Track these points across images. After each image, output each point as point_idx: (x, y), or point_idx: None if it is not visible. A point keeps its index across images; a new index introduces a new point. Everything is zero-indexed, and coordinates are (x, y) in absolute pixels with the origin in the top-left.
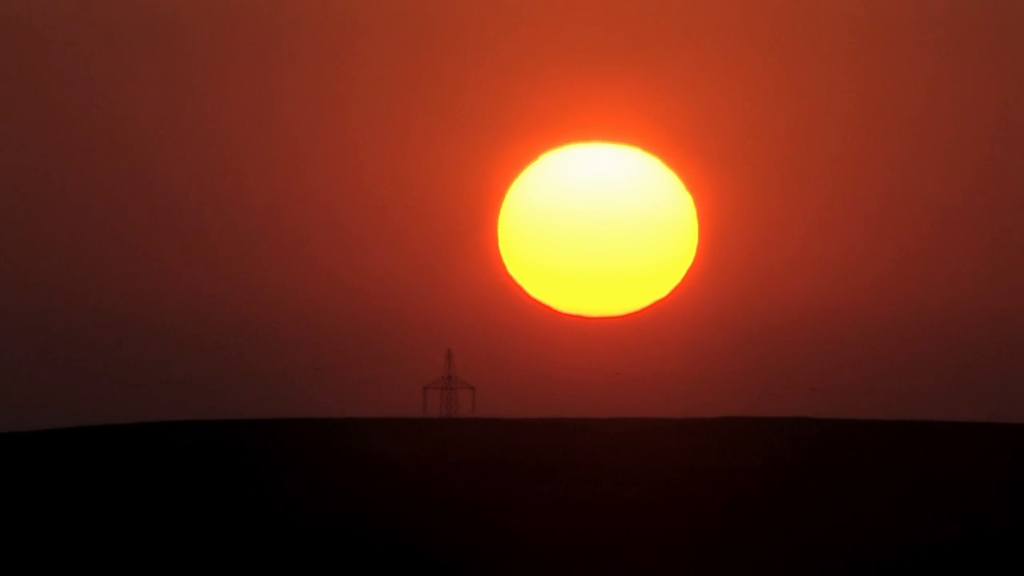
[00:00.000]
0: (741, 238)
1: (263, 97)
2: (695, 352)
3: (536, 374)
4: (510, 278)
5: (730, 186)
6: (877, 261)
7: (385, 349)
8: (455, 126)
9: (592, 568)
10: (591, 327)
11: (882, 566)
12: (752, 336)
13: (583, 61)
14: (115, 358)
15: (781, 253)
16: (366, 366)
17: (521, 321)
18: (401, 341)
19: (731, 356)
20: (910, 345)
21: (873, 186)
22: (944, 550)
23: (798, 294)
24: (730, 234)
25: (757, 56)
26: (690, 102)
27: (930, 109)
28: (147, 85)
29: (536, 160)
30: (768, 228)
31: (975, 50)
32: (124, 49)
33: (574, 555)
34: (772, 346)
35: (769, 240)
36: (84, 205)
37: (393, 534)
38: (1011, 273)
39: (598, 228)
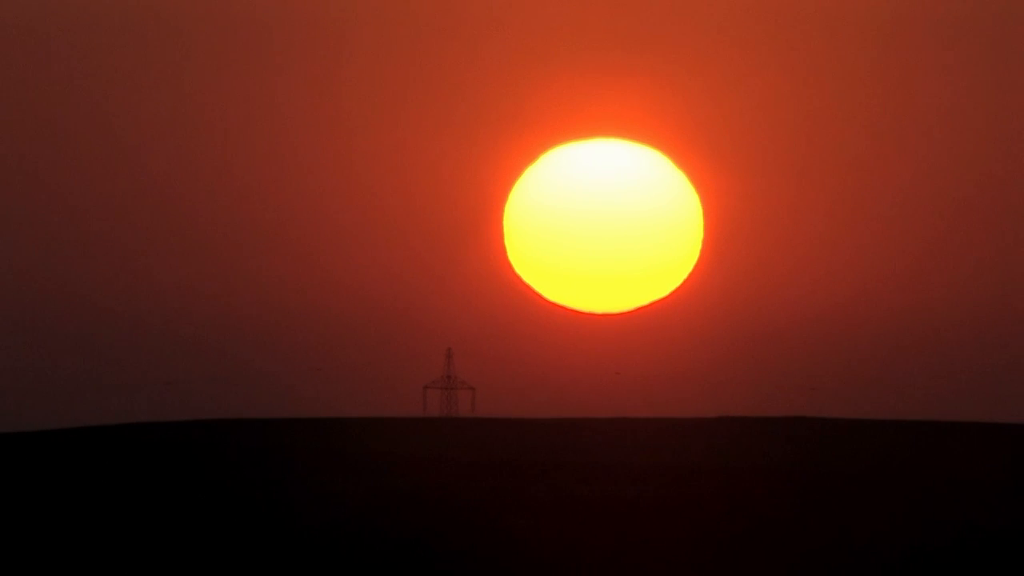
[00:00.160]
0: (746, 237)
1: (262, 96)
2: (696, 351)
3: (536, 374)
4: (515, 275)
5: (736, 184)
6: (880, 263)
7: (385, 349)
8: (458, 122)
9: (592, 568)
10: (592, 325)
11: (882, 566)
12: (753, 336)
13: (589, 56)
14: (115, 358)
15: (785, 253)
16: (366, 366)
17: (522, 320)
18: (401, 341)
19: (732, 356)
20: (910, 345)
21: (883, 188)
22: (944, 550)
23: (800, 294)
24: (735, 233)
25: (768, 51)
26: (698, 98)
27: (945, 108)
28: (145, 85)
29: (540, 157)
30: (773, 227)
31: (991, 48)
32: (122, 50)
33: (574, 555)
34: (773, 346)
35: (773, 239)
36: (83, 206)
37: (393, 534)
38: (1015, 273)
39: (602, 226)
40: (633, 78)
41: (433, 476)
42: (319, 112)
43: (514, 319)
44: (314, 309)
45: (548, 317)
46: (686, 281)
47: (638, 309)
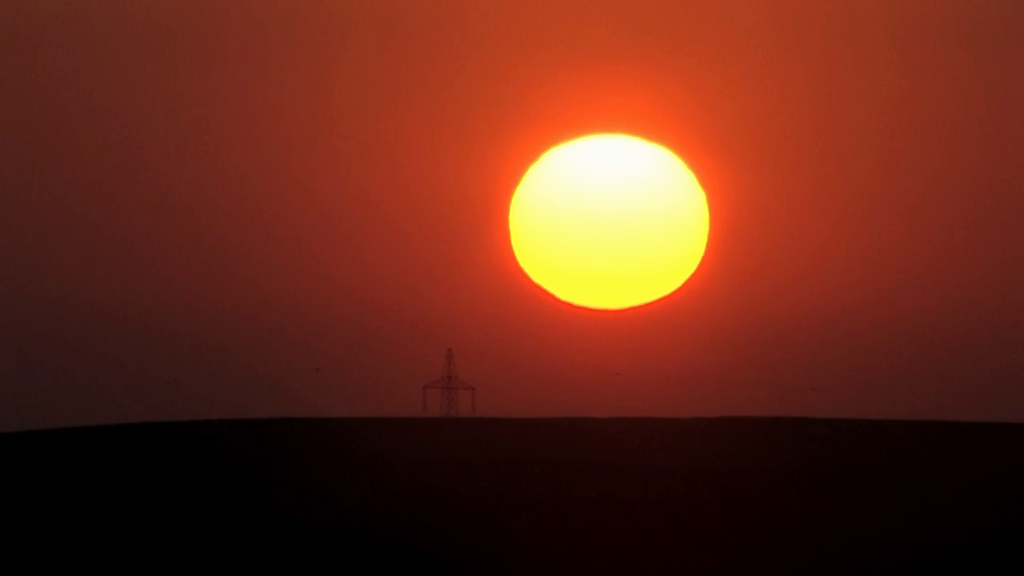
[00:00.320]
0: (752, 235)
1: (260, 96)
2: (697, 351)
3: (537, 374)
4: (521, 272)
5: (743, 182)
6: (889, 265)
7: (385, 349)
8: (461, 119)
9: (592, 568)
10: (594, 322)
11: (883, 567)
12: (756, 336)
13: (594, 51)
14: (115, 358)
15: (790, 252)
16: (366, 366)
17: (526, 317)
18: (401, 341)
19: (734, 355)
20: (911, 345)
21: (894, 189)
22: (945, 551)
23: (803, 294)
24: (740, 231)
25: (779, 45)
26: (705, 94)
27: (960, 109)
28: (143, 86)
29: (544, 154)
30: (779, 227)
31: (1009, 49)
32: (119, 50)
33: (574, 555)
34: (775, 346)
35: (779, 239)
36: (82, 206)
37: (393, 534)
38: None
39: (606, 223)
40: (639, 73)
41: (433, 476)
42: (319, 111)
43: (518, 317)
44: (314, 310)
45: (551, 314)
46: (690, 279)
47: (640, 307)
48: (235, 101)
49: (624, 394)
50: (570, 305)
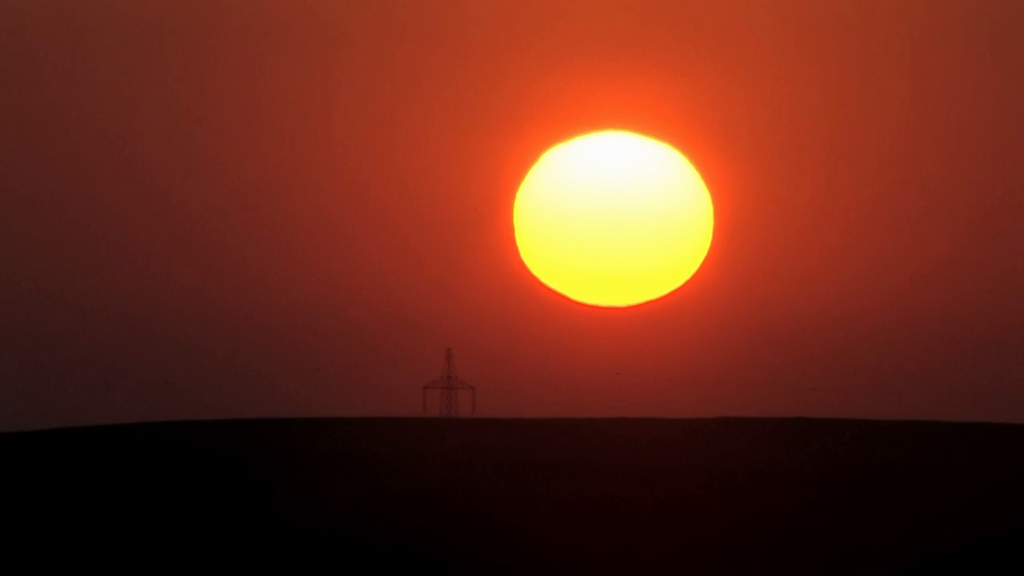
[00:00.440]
0: (756, 235)
1: (260, 97)
2: (699, 350)
3: (537, 374)
4: (525, 270)
5: (749, 180)
6: (896, 266)
7: (385, 349)
8: (464, 117)
9: (592, 568)
10: (594, 322)
11: (883, 567)
12: (758, 336)
13: (598, 47)
14: (115, 358)
15: (795, 252)
16: (366, 366)
17: (527, 316)
18: (401, 341)
19: (734, 355)
20: (914, 346)
21: (904, 191)
22: (945, 551)
23: (805, 294)
24: (745, 230)
25: (789, 41)
26: (712, 90)
27: (970, 111)
28: (141, 86)
29: (550, 150)
30: (784, 226)
31: (1020, 49)
32: (116, 49)
33: (574, 555)
34: (777, 346)
35: (784, 238)
36: (81, 207)
37: (393, 534)
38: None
39: (610, 221)
40: (644, 70)
41: (433, 476)
42: (318, 109)
43: (520, 316)
44: (314, 310)
45: (554, 312)
46: (693, 278)
47: (643, 305)
48: (234, 101)
49: (624, 394)
50: (573, 301)
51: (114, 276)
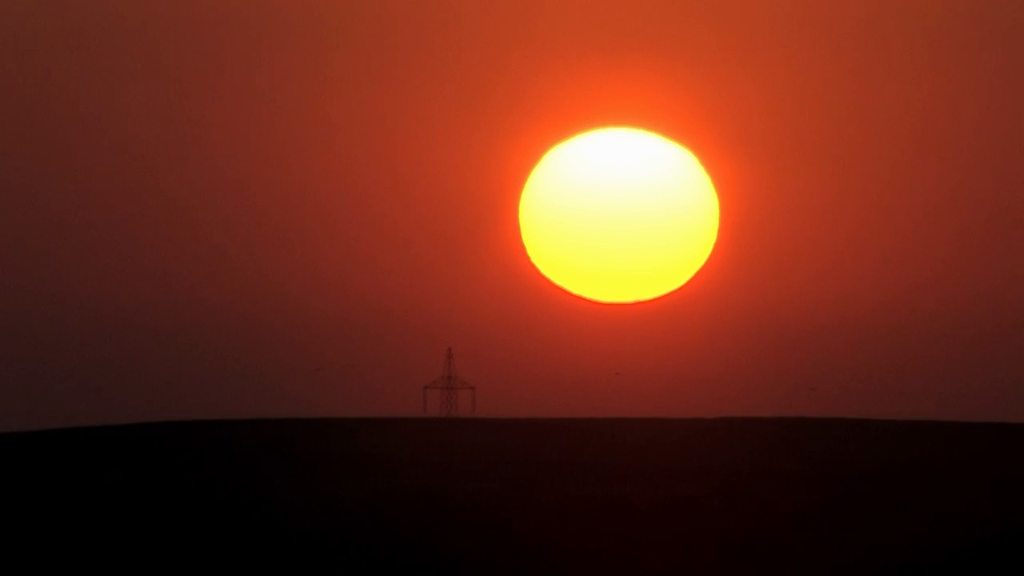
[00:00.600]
0: (761, 233)
1: (262, 98)
2: (699, 350)
3: (538, 373)
4: (531, 267)
5: (755, 178)
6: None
7: (386, 349)
8: (467, 114)
9: (592, 568)
10: (596, 321)
11: (882, 565)
12: (758, 335)
13: (604, 44)
14: (115, 359)
15: (800, 252)
16: (367, 366)
17: (530, 315)
18: (402, 341)
19: (735, 355)
20: (913, 346)
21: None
22: (945, 550)
23: (808, 294)
24: (750, 228)
25: (802, 39)
26: (718, 86)
27: (981, 112)
28: (139, 87)
29: (554, 148)
30: (789, 225)
31: None
32: (114, 50)
33: (574, 555)
34: (777, 345)
35: (788, 237)
36: (81, 209)
37: (393, 533)
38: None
39: (616, 217)
40: (650, 66)
41: (433, 476)
42: (319, 111)
43: (524, 314)
44: (315, 310)
45: (558, 310)
46: (695, 277)
47: (645, 302)
48: (234, 102)
49: (625, 394)
50: (577, 297)
51: (114, 277)
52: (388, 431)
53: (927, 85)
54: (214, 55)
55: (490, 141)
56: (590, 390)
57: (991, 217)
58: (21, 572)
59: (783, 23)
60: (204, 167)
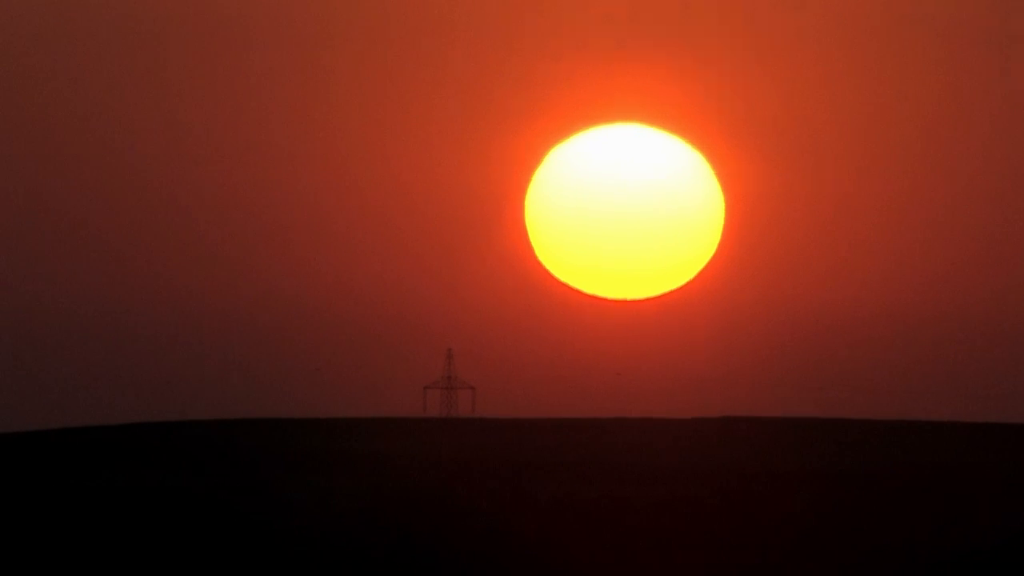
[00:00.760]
0: (767, 232)
1: (263, 97)
2: (701, 349)
3: (538, 373)
4: (536, 264)
5: (761, 176)
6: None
7: (385, 349)
8: (470, 111)
9: (592, 568)
10: (598, 319)
11: (883, 566)
12: (760, 334)
13: (609, 40)
14: (115, 358)
15: (804, 251)
16: (366, 366)
17: (532, 314)
18: (402, 341)
19: (737, 354)
20: (913, 345)
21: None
22: (945, 550)
23: (812, 293)
24: (755, 227)
25: (815, 36)
26: (727, 83)
27: (996, 112)
28: (137, 88)
29: (557, 146)
30: (795, 223)
31: None
32: (112, 51)
33: (574, 555)
34: (779, 345)
35: (794, 236)
36: (82, 210)
37: (393, 534)
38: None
39: (619, 215)
40: (656, 61)
41: (433, 476)
42: (320, 110)
43: (527, 313)
44: (315, 311)
45: (564, 304)
46: (700, 275)
47: (647, 300)
48: (233, 102)
49: (626, 394)
50: (581, 294)
51: (114, 278)
52: (388, 431)
53: (940, 85)
54: (213, 56)
55: (494, 138)
56: (591, 390)
57: (1004, 218)
58: (21, 572)
59: (794, 18)
60: (204, 166)
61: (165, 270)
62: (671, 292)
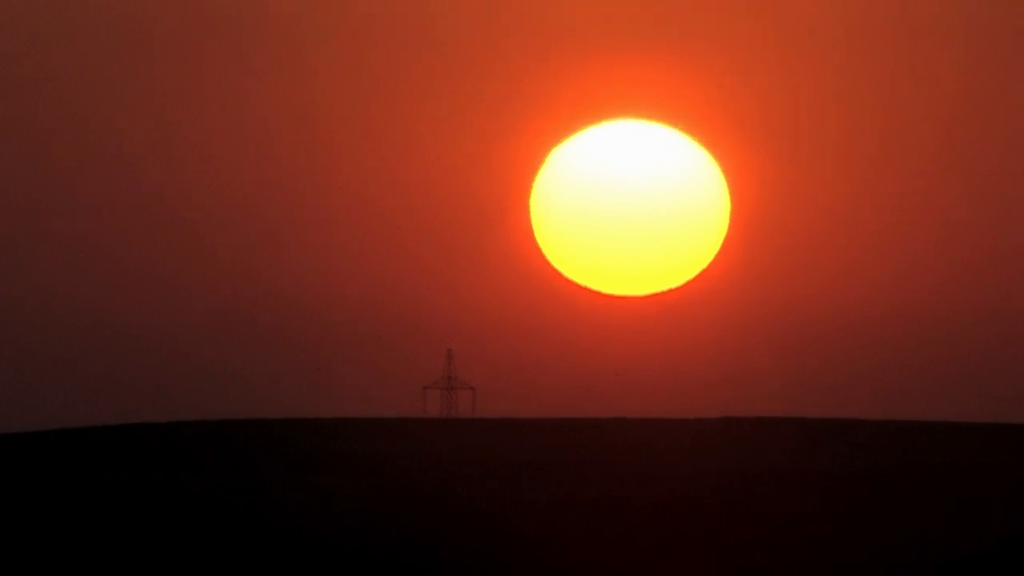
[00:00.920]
0: (773, 230)
1: (263, 96)
2: (704, 348)
3: (539, 373)
4: (543, 262)
5: (768, 173)
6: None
7: (386, 349)
8: (474, 108)
9: (592, 568)
10: (601, 318)
11: (882, 566)
12: (763, 333)
13: (614, 34)
14: (114, 358)
15: (810, 250)
16: (366, 366)
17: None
18: (401, 341)
19: (740, 353)
20: (913, 345)
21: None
22: (945, 550)
23: (817, 292)
24: (761, 225)
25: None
26: (733, 77)
27: (1019, 106)
28: (136, 88)
29: (560, 144)
30: (801, 222)
31: None
32: (106, 51)
33: (574, 556)
34: (782, 344)
35: (800, 234)
36: (82, 211)
37: (393, 535)
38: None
39: (623, 212)
40: (661, 56)
41: (433, 476)
42: (320, 108)
43: (529, 312)
44: (314, 310)
45: (569, 302)
46: (703, 274)
47: (650, 297)
48: (236, 99)
49: (627, 394)
50: (588, 290)
51: (114, 278)
52: (388, 431)
53: (956, 84)
54: (211, 56)
55: (497, 134)
56: (592, 390)
57: (1018, 218)
58: (21, 572)
59: (807, 11)
60: (203, 164)
61: (165, 271)
62: (676, 289)
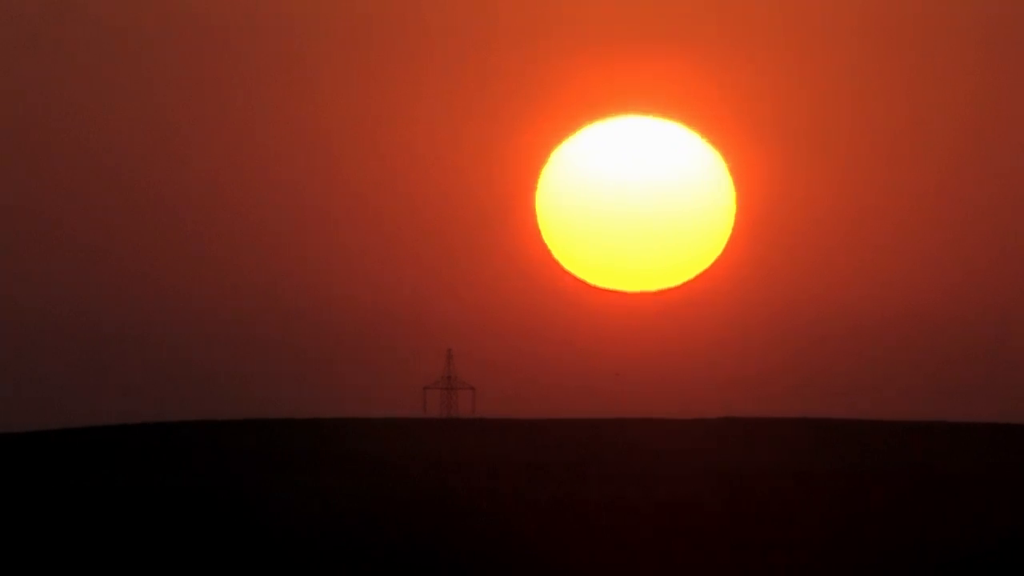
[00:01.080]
0: (779, 228)
1: (263, 96)
2: (706, 347)
3: (539, 373)
4: (549, 258)
5: (778, 173)
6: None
7: (386, 349)
8: (477, 106)
9: (593, 568)
10: (602, 317)
11: (883, 566)
12: (767, 333)
13: (619, 29)
14: (115, 358)
15: (816, 249)
16: (366, 366)
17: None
18: (401, 341)
19: (743, 353)
20: (913, 345)
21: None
22: (945, 551)
23: (822, 291)
24: (767, 224)
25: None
26: (740, 72)
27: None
28: (135, 89)
29: (563, 141)
30: (808, 220)
31: None
32: (102, 51)
33: (575, 555)
34: (785, 344)
35: (806, 233)
36: (81, 212)
37: (393, 535)
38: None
39: (624, 210)
40: (666, 51)
41: (433, 477)
42: (320, 107)
43: (530, 311)
44: (314, 310)
45: (573, 299)
46: (707, 272)
47: (652, 294)
48: (234, 100)
49: (628, 394)
50: (590, 287)
51: (113, 277)
52: (388, 431)
53: (972, 86)
54: (209, 56)
55: (501, 132)
56: (593, 390)
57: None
58: (21, 572)
59: (822, 8)
60: (203, 165)
61: (165, 271)
62: (678, 287)
